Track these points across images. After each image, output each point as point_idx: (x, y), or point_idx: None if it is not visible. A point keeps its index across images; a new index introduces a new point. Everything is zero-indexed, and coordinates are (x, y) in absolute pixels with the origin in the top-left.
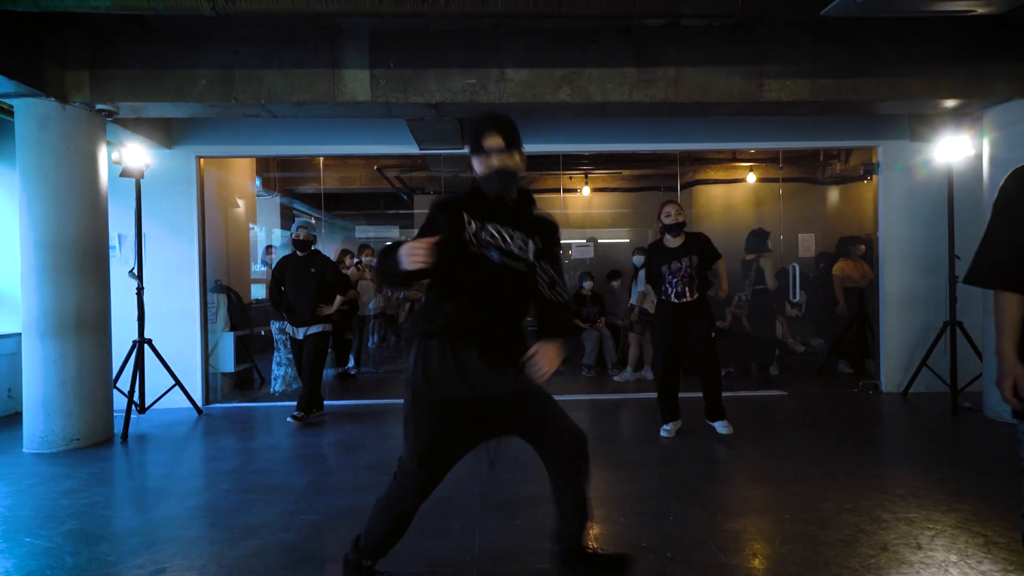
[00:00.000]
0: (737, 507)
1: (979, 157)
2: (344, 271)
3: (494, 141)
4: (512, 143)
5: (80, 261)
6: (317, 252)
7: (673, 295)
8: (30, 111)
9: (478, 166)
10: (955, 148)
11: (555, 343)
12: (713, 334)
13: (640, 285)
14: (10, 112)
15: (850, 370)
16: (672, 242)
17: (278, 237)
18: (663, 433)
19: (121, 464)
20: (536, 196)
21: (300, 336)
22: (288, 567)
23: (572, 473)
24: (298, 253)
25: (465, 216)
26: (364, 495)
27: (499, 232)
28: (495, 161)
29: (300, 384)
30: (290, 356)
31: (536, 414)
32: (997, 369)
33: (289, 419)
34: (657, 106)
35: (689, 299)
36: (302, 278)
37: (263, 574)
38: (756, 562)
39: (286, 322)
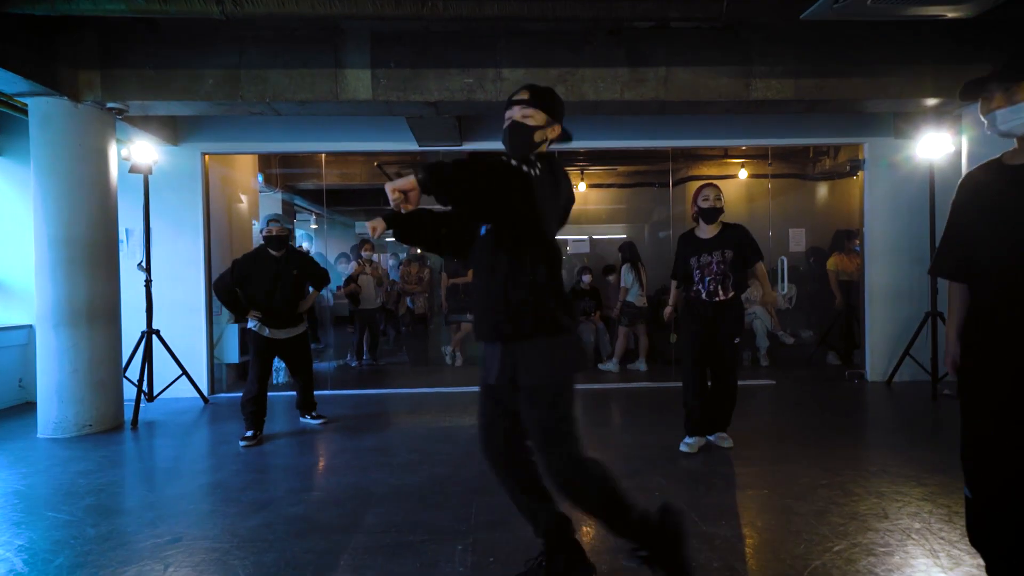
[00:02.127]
0: (720, 483)
1: (959, 154)
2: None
3: (521, 95)
4: (539, 102)
5: (91, 255)
6: (293, 250)
7: (705, 293)
8: (44, 110)
9: (505, 121)
10: (936, 145)
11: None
12: (738, 339)
13: (624, 282)
14: (23, 110)
15: (838, 361)
16: (705, 232)
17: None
18: (683, 448)
19: (133, 448)
20: None
21: (282, 337)
22: (297, 536)
23: None
24: (271, 251)
25: None
26: (368, 473)
27: None
28: (515, 113)
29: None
30: None
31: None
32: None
33: (318, 426)
34: (648, 104)
35: (723, 298)
36: (282, 280)
37: (273, 543)
38: (732, 530)
39: (257, 322)
